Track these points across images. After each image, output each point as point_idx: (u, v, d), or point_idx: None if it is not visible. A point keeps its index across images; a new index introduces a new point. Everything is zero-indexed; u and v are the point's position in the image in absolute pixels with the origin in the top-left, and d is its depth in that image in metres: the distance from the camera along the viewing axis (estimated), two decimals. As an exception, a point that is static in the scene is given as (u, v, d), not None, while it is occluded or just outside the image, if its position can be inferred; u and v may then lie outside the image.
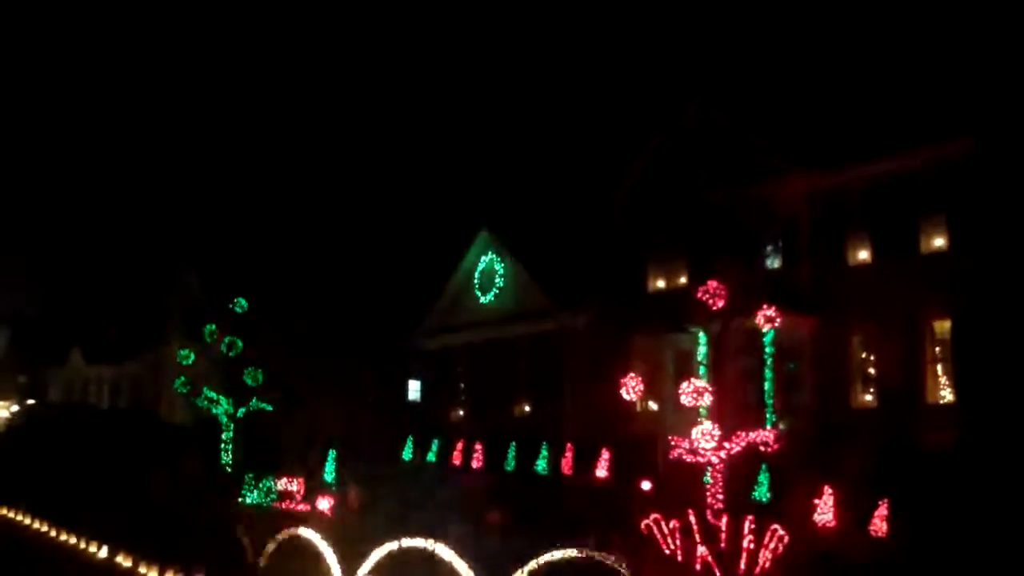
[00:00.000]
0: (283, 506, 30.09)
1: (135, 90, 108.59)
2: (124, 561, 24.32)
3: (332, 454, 36.38)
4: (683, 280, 34.36)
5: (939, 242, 28.26)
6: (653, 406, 33.93)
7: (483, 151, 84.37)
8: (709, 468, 20.97)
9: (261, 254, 53.82)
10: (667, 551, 21.05)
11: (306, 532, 21.85)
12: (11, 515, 33.36)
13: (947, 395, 27.72)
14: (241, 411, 36.22)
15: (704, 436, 21.05)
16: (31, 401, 65.68)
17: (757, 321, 24.10)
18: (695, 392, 21.42)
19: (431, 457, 39.40)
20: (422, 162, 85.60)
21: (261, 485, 31.94)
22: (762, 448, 21.91)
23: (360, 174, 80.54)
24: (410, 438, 40.87)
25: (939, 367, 28.14)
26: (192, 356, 37.08)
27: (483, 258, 42.36)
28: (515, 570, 18.50)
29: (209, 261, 55.17)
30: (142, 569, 23.25)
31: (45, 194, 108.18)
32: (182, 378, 36.78)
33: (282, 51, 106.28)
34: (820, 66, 35.93)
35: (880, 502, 22.10)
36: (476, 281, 42.59)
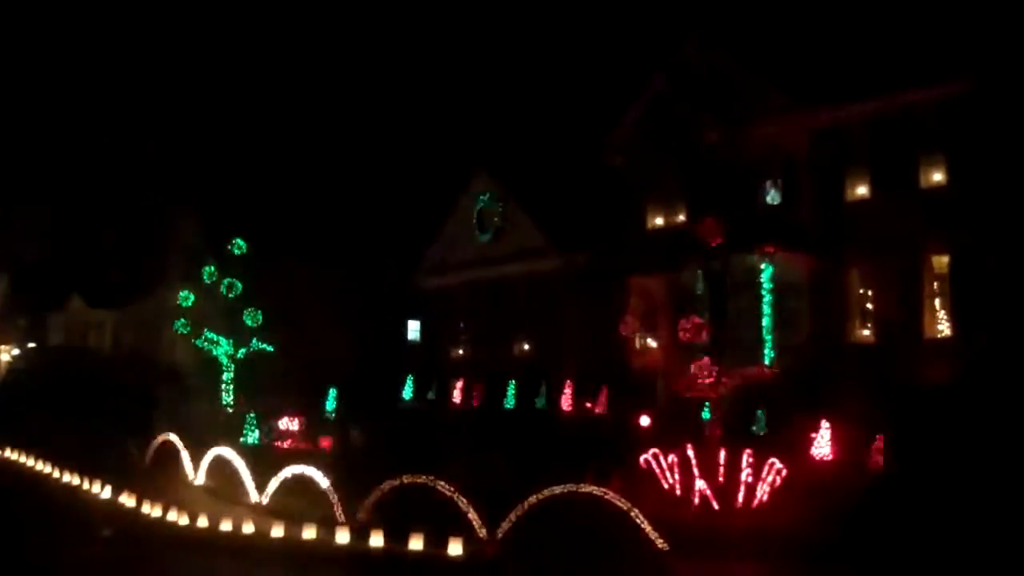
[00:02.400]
0: (284, 445, 30.36)
1: (130, 30, 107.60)
2: (128, 500, 24.60)
3: (333, 393, 36.62)
4: (682, 218, 34.24)
5: (938, 177, 28.13)
6: (652, 343, 34.03)
7: (482, 90, 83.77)
8: (707, 403, 21.13)
9: (260, 195, 53.63)
10: (665, 485, 21.31)
11: (308, 470, 22.10)
12: (14, 456, 33.68)
13: (945, 330, 27.77)
14: (241, 352, 36.43)
15: (702, 372, 21.22)
16: (32, 344, 65.94)
17: (755, 257, 24.18)
18: (693, 328, 21.55)
19: (431, 396, 39.67)
20: (420, 100, 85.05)
21: (262, 425, 32.19)
22: (759, 383, 22.04)
23: (357, 113, 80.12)
24: (410, 377, 41.10)
25: (937, 302, 28.15)
26: (192, 298, 37.14)
27: (481, 197, 42.22)
28: (515, 505, 18.74)
29: (208, 203, 54.94)
30: (145, 508, 23.53)
31: (44, 138, 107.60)
32: (182, 320, 36.90)
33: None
34: (820, 2, 35.49)
35: (877, 436, 22.25)
36: (475, 220, 42.50)
